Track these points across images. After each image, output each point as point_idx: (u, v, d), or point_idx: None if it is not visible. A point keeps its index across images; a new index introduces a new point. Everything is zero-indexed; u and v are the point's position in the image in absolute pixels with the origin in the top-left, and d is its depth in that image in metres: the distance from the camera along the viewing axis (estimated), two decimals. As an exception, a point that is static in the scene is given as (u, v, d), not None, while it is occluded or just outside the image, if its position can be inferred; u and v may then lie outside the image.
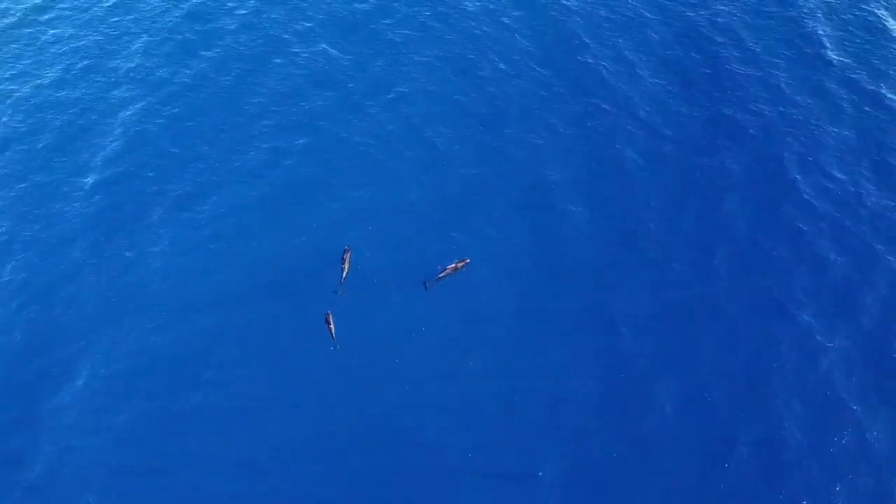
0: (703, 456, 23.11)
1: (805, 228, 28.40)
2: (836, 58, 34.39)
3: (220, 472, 23.17)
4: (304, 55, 35.43)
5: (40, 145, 32.02)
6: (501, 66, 34.56)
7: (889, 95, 32.80)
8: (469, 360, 25.11)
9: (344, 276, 26.62)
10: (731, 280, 27.06)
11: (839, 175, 30.03)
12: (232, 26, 37.04)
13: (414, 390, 24.49)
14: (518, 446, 23.37)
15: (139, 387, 24.93)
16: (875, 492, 22.44)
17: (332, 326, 25.40)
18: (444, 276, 26.39)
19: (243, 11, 37.92)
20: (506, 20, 36.79)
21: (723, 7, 37.16)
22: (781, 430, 23.51)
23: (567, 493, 22.48)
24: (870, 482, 22.56)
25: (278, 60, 35.22)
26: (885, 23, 35.86)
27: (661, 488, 22.52)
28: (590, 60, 34.65)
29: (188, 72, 34.92)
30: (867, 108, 32.51)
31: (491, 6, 37.59)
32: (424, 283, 26.31)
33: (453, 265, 26.58)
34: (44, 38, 36.95)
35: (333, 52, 35.50)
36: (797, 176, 29.98)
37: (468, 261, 26.69)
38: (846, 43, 35.11)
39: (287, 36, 36.40)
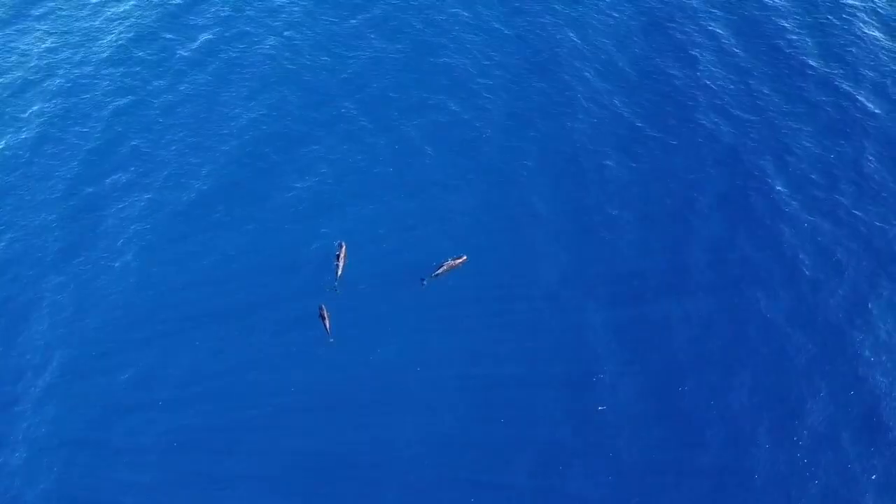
0: (674, 462, 23.34)
1: (784, 232, 28.84)
2: (817, 64, 35.13)
3: (220, 482, 22.98)
4: (294, 63, 35.27)
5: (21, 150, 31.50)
6: (494, 71, 34.75)
7: (870, 100, 33.58)
8: (456, 359, 25.20)
9: (339, 271, 26.50)
10: (708, 287, 27.30)
11: (819, 180, 30.67)
12: (219, 31, 36.84)
13: (404, 391, 24.57)
14: (494, 451, 23.46)
15: (134, 399, 24.63)
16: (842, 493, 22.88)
17: (326, 320, 25.27)
18: (441, 273, 26.39)
19: (233, 16, 37.76)
20: (496, 25, 37.07)
21: (711, 11, 37.81)
22: (753, 439, 23.85)
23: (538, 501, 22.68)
24: (839, 480, 22.95)
25: (268, 65, 35.10)
26: (867, 29, 36.80)
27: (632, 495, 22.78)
28: (576, 65, 34.94)
29: (173, 74, 34.72)
30: (848, 113, 33.23)
31: (482, 12, 37.83)
32: (422, 280, 26.29)
33: (450, 262, 26.59)
34: (28, 39, 36.46)
35: (325, 58, 35.45)
36: (777, 181, 30.50)
37: (465, 258, 26.73)
38: (827, 48, 35.91)
39: (277, 43, 36.11)
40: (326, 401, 24.32)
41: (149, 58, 35.34)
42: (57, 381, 24.79)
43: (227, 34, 36.41)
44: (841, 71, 34.72)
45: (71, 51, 35.54)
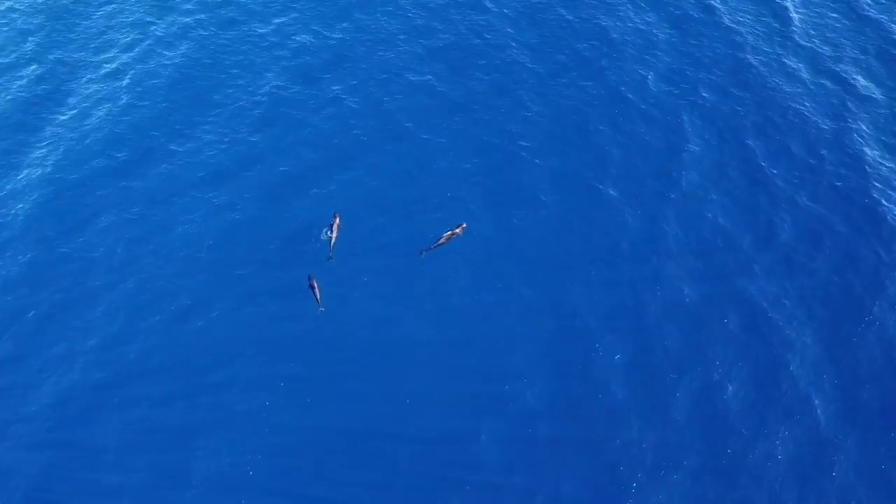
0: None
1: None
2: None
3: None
4: (283, 50, 34.39)
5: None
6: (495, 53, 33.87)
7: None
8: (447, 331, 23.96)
9: (333, 242, 25.08)
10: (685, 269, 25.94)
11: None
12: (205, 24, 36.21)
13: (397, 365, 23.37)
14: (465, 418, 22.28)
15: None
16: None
17: (316, 290, 23.99)
18: (441, 244, 24.99)
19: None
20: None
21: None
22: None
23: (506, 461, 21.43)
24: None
25: (244, 47, 34.33)
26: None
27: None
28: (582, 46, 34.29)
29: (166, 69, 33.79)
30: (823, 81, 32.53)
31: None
32: (421, 252, 24.85)
33: (449, 232, 25.23)
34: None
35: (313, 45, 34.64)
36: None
37: (465, 226, 25.46)
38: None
39: (265, 32, 35.41)
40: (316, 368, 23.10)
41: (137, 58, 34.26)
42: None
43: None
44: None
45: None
